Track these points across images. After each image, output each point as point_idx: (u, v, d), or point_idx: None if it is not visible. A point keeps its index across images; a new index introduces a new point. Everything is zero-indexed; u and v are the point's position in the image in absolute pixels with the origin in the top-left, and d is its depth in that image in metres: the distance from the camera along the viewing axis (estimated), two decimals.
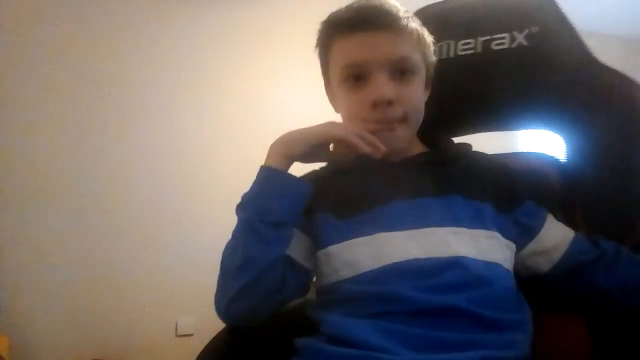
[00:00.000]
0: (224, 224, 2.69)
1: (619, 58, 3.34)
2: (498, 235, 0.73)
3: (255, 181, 0.76)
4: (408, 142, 0.80)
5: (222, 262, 0.75)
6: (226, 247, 0.76)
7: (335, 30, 0.76)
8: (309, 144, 0.73)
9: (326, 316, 0.68)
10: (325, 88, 0.86)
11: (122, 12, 2.57)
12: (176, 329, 2.50)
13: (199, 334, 2.44)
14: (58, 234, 2.35)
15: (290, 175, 0.74)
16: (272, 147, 0.75)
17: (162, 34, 2.64)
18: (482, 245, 0.70)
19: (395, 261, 0.68)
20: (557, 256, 0.75)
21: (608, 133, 0.77)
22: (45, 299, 2.28)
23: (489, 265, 0.69)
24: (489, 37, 0.82)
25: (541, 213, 0.78)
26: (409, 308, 0.64)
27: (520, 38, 0.80)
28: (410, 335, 0.62)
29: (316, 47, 0.82)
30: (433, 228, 0.71)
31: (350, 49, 0.74)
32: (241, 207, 0.75)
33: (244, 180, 2.65)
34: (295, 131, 0.74)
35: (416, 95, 0.77)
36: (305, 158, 0.75)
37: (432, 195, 0.74)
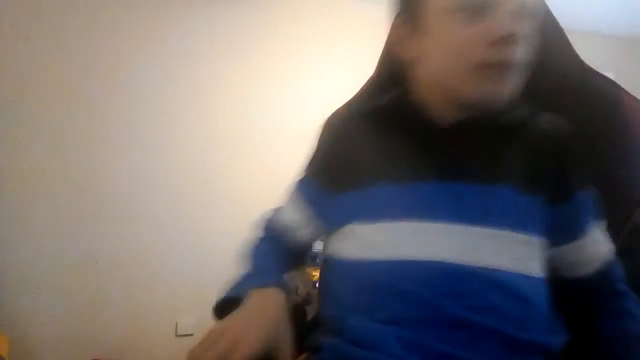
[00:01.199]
0: (225, 224, 2.71)
1: (618, 58, 3.33)
2: (537, 240, 0.65)
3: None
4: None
5: None
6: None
7: None
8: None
9: (346, 320, 0.63)
10: (394, 28, 0.73)
11: (127, 14, 2.57)
12: (176, 329, 2.52)
13: (199, 334, 2.43)
14: (58, 233, 2.36)
15: None
16: None
17: (166, 35, 2.64)
18: (519, 254, 0.62)
19: (420, 258, 0.61)
20: (583, 271, 0.68)
21: (594, 136, 0.77)
22: (45, 298, 2.30)
23: (524, 278, 0.62)
24: None
25: (590, 214, 0.69)
26: (434, 319, 0.58)
27: None
28: (433, 352, 0.57)
29: None
30: (470, 227, 0.62)
31: None
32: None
33: (245, 181, 2.66)
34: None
35: (529, 47, 0.65)
36: None
37: (477, 182, 0.64)
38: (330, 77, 2.81)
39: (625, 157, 0.76)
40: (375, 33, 0.96)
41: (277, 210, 0.86)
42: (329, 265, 0.73)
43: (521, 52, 0.64)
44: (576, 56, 0.82)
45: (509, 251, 0.62)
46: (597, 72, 0.81)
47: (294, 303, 0.83)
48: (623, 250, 0.72)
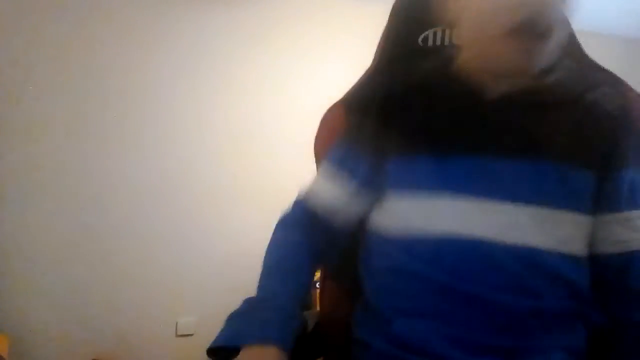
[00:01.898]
0: (225, 225, 2.71)
1: (619, 58, 3.34)
2: (585, 218, 0.62)
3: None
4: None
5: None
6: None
7: None
8: None
9: (392, 320, 0.62)
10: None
11: (128, 13, 2.57)
12: (176, 329, 2.51)
13: (199, 334, 2.45)
14: (58, 234, 2.36)
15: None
16: None
17: (163, 32, 2.64)
18: (562, 233, 0.60)
19: (453, 234, 0.59)
20: (601, 249, 0.63)
21: None
22: (45, 298, 2.30)
23: (568, 259, 0.60)
24: None
25: (634, 195, 0.63)
26: (473, 311, 0.57)
27: None
28: (477, 345, 0.56)
29: None
30: (508, 205, 0.59)
31: None
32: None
33: (246, 182, 2.66)
34: None
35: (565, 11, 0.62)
36: None
37: (521, 156, 0.61)
38: (333, 75, 2.81)
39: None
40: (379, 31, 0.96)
41: (310, 190, 0.75)
42: (366, 235, 0.71)
43: (555, 17, 0.60)
44: (584, 53, 0.81)
45: (553, 231, 0.59)
46: (605, 69, 0.79)
47: None
48: None
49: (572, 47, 0.81)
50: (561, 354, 0.56)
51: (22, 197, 2.32)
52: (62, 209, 2.38)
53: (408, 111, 0.67)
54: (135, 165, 2.52)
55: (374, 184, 0.70)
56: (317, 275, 0.97)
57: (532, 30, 0.59)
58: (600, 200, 0.63)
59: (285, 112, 2.72)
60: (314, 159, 0.91)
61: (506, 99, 0.64)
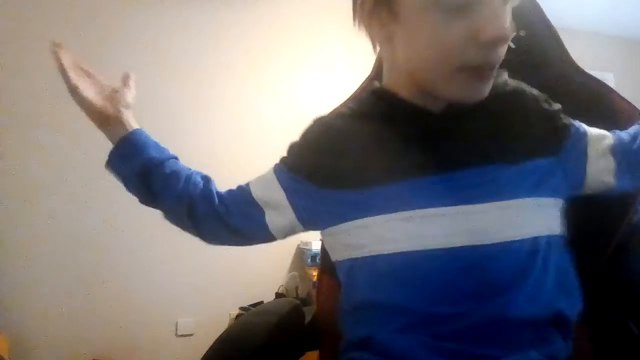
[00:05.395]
0: None
1: (618, 58, 3.31)
2: (550, 201, 0.64)
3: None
4: None
5: None
6: None
7: None
8: None
9: (372, 334, 0.62)
10: (370, 21, 0.65)
11: (130, 11, 2.58)
12: (176, 329, 2.52)
13: (199, 334, 2.45)
14: (58, 233, 2.36)
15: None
16: None
17: (164, 30, 2.66)
18: (533, 217, 0.61)
19: (434, 247, 0.60)
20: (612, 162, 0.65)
21: None
22: (45, 298, 2.30)
23: (541, 240, 0.61)
24: None
25: (582, 135, 0.68)
26: (455, 324, 0.58)
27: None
28: (457, 352, 0.57)
29: None
30: (477, 205, 0.61)
31: None
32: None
33: (246, 180, 2.66)
34: None
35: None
36: None
37: (476, 160, 0.63)
38: (329, 76, 2.82)
39: None
40: None
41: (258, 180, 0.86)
42: (344, 269, 0.71)
43: (504, 51, 0.60)
44: (569, 57, 0.82)
45: (523, 217, 0.61)
46: (592, 76, 0.81)
47: (292, 305, 0.83)
48: (620, 249, 0.72)
49: (558, 52, 0.82)
50: (538, 355, 0.56)
51: (23, 198, 2.32)
52: (63, 210, 2.38)
53: (359, 140, 0.68)
54: None
55: (307, 210, 0.73)
56: (315, 273, 0.98)
57: (488, 67, 0.60)
58: (575, 167, 0.66)
59: (282, 114, 2.73)
60: None
61: (450, 113, 0.66)
